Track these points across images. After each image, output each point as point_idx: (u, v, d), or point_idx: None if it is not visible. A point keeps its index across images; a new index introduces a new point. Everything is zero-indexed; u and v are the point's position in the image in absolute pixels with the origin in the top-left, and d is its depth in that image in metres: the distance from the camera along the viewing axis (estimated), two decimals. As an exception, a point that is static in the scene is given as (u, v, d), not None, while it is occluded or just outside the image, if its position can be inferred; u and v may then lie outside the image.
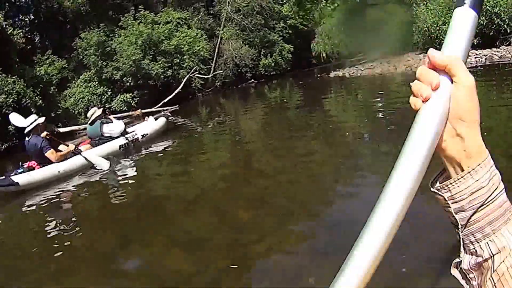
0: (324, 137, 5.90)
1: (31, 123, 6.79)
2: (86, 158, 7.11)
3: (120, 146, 7.82)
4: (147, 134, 8.60)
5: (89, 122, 8.21)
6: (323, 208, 3.63)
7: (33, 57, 19.50)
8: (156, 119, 9.29)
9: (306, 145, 5.68)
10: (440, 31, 13.49)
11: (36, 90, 16.86)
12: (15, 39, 17.09)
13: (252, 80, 29.52)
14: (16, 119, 7.27)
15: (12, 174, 6.50)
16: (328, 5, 23.24)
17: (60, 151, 7.12)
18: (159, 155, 7.75)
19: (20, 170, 6.61)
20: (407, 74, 11.29)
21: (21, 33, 17.74)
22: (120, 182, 6.24)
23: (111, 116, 8.47)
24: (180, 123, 13.36)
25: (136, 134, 8.33)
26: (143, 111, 17.71)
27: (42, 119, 6.96)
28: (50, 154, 6.81)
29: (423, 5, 16.20)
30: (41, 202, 5.76)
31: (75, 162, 7.08)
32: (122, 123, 8.39)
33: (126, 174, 6.74)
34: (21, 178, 6.36)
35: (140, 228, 4.02)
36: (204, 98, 24.38)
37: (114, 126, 8.11)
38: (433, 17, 14.37)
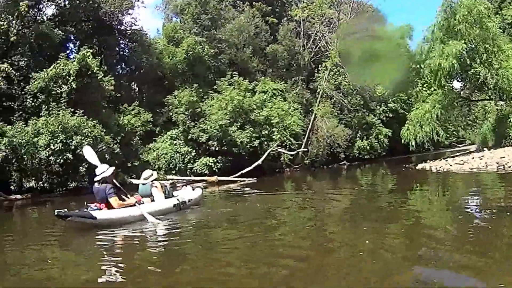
0: (407, 236, 5.09)
1: (102, 173, 7.29)
2: (143, 214, 7.40)
3: (174, 205, 8.49)
4: (192, 199, 9.21)
5: (142, 182, 8.62)
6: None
7: (121, 106, 19.91)
8: (193, 189, 10.05)
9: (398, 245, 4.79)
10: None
11: (116, 138, 16.74)
12: (104, 85, 17.39)
13: (345, 161, 28.06)
14: (88, 153, 8.24)
15: (89, 210, 6.98)
16: (424, 89, 20.82)
17: (123, 200, 7.47)
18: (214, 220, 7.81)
19: (95, 208, 7.05)
20: (499, 173, 9.47)
21: (112, 80, 17.96)
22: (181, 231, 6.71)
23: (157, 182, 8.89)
24: (258, 193, 12.67)
25: (184, 197, 9.01)
26: (220, 178, 17.62)
27: (111, 170, 7.41)
28: (113, 200, 7.20)
29: None
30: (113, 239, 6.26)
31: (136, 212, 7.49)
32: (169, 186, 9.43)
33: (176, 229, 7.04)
34: (99, 214, 6.91)
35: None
36: (290, 174, 23.38)
37: (158, 193, 8.50)
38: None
